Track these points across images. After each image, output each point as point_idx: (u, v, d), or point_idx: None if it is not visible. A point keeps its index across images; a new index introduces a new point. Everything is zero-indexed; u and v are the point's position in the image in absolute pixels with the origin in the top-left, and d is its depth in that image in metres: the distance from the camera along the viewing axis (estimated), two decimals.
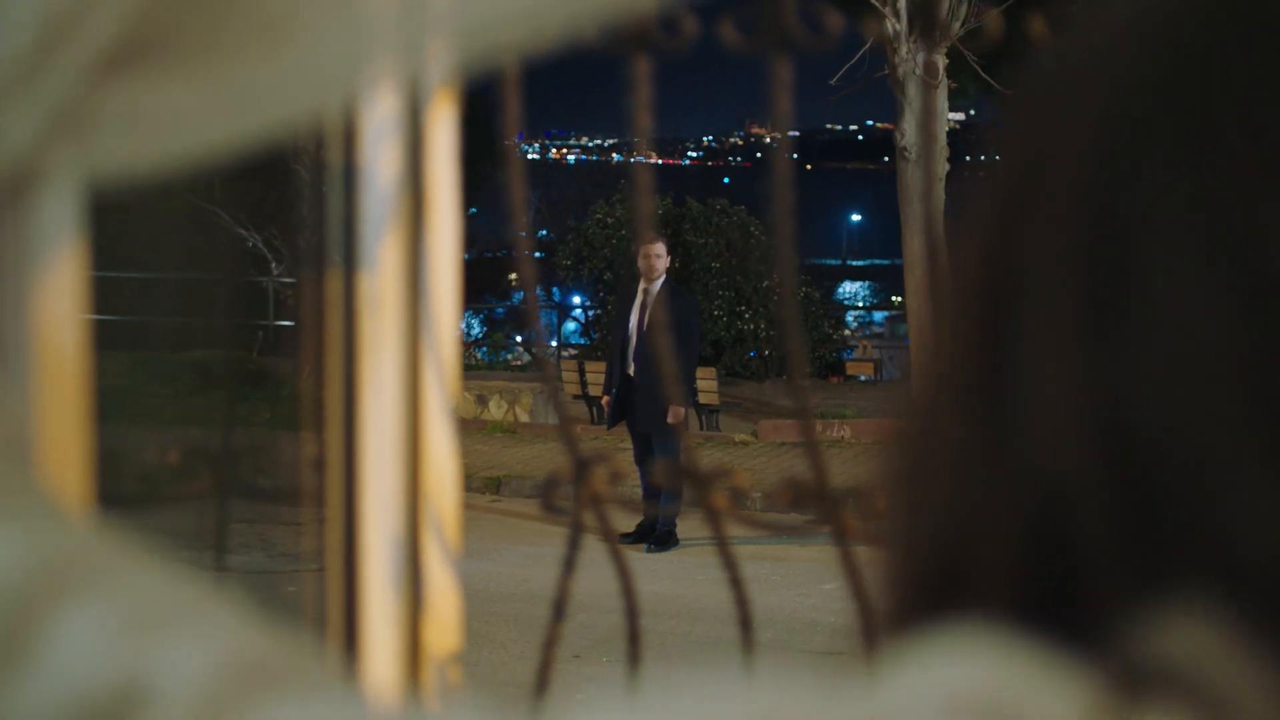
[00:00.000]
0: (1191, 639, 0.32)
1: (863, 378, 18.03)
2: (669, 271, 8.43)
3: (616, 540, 1.31)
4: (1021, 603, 0.35)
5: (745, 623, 1.18)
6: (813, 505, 1.04)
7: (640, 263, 8.46)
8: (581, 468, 1.19)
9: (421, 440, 0.96)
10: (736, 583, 1.14)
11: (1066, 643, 0.34)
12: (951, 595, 0.37)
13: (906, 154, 12.15)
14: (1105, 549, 0.34)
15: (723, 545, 1.14)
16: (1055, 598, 0.35)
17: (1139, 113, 0.35)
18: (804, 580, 7.28)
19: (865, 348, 19.74)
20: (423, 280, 0.92)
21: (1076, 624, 0.34)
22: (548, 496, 1.20)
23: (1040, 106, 0.38)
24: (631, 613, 1.32)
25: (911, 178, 12.27)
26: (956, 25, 9.47)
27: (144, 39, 0.51)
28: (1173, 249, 0.33)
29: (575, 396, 13.10)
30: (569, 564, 1.29)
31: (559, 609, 1.27)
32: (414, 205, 0.89)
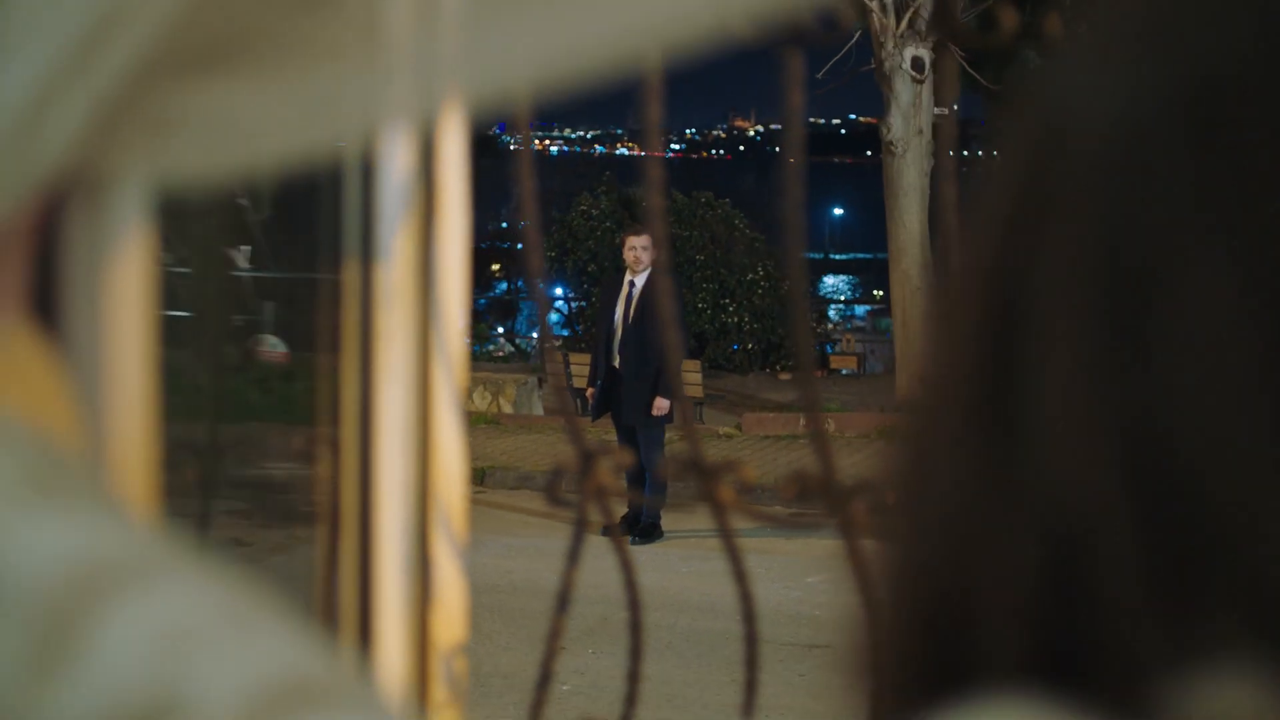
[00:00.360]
0: (1231, 696, 0.30)
1: (845, 371, 18.08)
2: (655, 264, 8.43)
3: (620, 533, 1.32)
4: (1039, 653, 0.32)
5: (749, 616, 1.18)
6: (819, 498, 1.05)
7: (626, 254, 8.47)
8: (587, 460, 1.20)
9: (432, 431, 0.96)
10: (741, 576, 1.14)
11: (1091, 701, 0.31)
12: (959, 643, 0.34)
13: (893, 148, 12.18)
14: (1133, 589, 0.31)
15: (728, 539, 1.14)
16: (1077, 647, 0.32)
17: (1161, 120, 0.33)
18: (788, 573, 7.30)
19: (849, 341, 19.82)
20: (433, 273, 0.92)
21: (1102, 678, 0.32)
22: (553, 488, 1.20)
23: (1051, 113, 0.35)
24: (634, 605, 1.33)
25: (898, 172, 12.31)
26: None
27: (220, 43, 0.51)
28: (1201, 262, 0.32)
29: (559, 388, 13.11)
30: (574, 556, 1.29)
31: (562, 600, 1.27)
32: (426, 199, 0.90)
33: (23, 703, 0.43)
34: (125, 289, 0.57)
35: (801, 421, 11.76)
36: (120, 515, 0.47)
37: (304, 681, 0.42)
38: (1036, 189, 0.35)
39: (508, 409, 13.57)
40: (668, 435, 8.57)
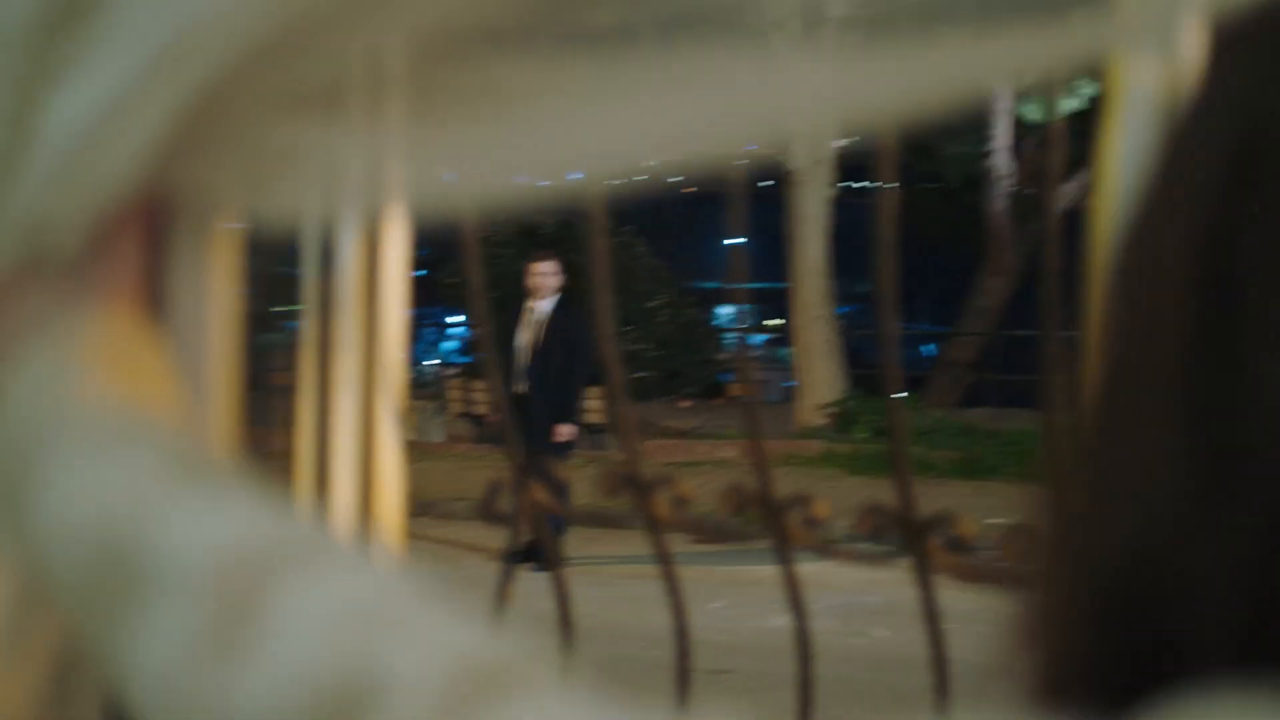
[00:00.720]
0: None
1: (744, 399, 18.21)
2: (562, 290, 8.41)
3: (557, 557, 1.32)
4: (1258, 647, 0.31)
5: (682, 632, 1.19)
6: (757, 515, 1.06)
7: (529, 281, 8.45)
8: (522, 478, 1.20)
9: (374, 457, 0.97)
10: (675, 591, 1.15)
11: None
12: (1161, 638, 0.32)
13: (795, 178, 12.35)
14: None
15: (662, 552, 1.16)
16: None
17: None
18: (689, 599, 7.31)
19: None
20: (379, 288, 0.93)
21: None
22: (489, 505, 1.21)
23: (1262, 99, 0.34)
24: (565, 626, 1.33)
25: (800, 201, 12.49)
26: None
27: (329, 87, 0.52)
28: None
29: (459, 415, 13.04)
30: (506, 575, 1.30)
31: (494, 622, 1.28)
32: (371, 218, 0.91)
33: (204, 681, 0.43)
34: (217, 300, 0.60)
35: (708, 448, 11.81)
36: (268, 501, 0.47)
37: (498, 664, 0.41)
38: (1251, 175, 0.34)
39: (409, 435, 13.47)
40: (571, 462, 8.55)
